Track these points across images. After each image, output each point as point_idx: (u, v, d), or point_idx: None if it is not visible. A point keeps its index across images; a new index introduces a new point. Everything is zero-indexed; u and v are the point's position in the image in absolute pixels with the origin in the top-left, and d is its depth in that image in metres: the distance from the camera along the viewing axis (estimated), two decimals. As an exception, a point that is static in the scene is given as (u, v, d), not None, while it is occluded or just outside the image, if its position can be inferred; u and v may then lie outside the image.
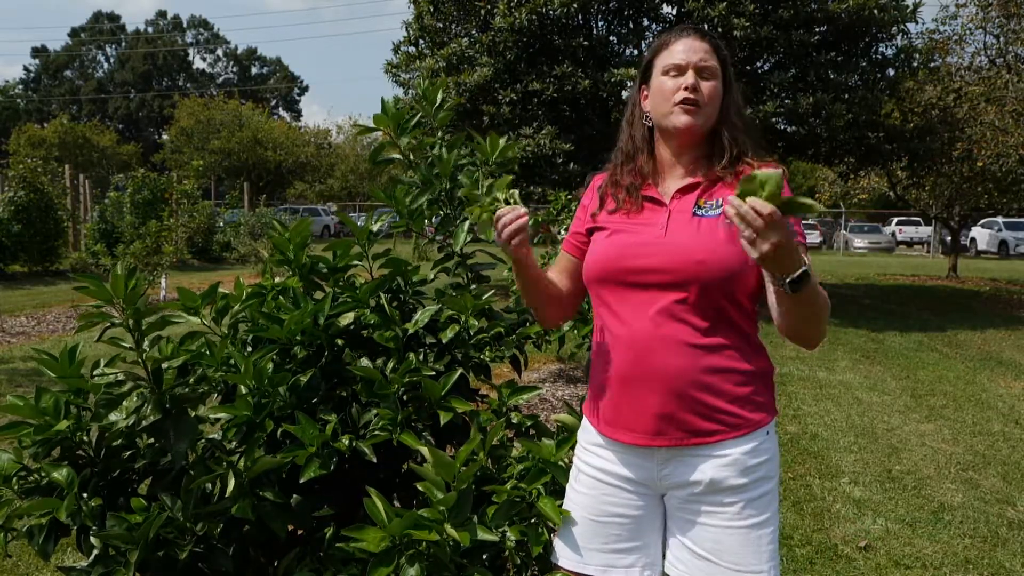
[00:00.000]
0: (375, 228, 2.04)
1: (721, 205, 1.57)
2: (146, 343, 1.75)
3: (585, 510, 1.67)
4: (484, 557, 1.67)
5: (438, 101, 2.16)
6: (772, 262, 1.32)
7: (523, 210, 1.52)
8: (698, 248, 1.54)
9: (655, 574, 1.65)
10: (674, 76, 1.62)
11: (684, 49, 1.62)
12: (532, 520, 1.71)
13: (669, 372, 1.54)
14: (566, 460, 1.79)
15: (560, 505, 1.71)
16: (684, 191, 1.62)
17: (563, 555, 1.69)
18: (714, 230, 1.55)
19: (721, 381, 1.55)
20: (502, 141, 2.14)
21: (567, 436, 1.81)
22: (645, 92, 1.69)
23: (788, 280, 1.35)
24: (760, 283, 1.59)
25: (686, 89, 1.60)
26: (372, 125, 2.13)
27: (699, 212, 1.59)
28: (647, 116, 1.68)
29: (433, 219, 2.19)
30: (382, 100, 2.15)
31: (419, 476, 1.62)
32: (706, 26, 10.18)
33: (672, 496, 1.62)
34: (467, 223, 2.08)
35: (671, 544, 1.64)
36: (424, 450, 1.64)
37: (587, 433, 1.72)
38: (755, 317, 1.63)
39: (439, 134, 2.21)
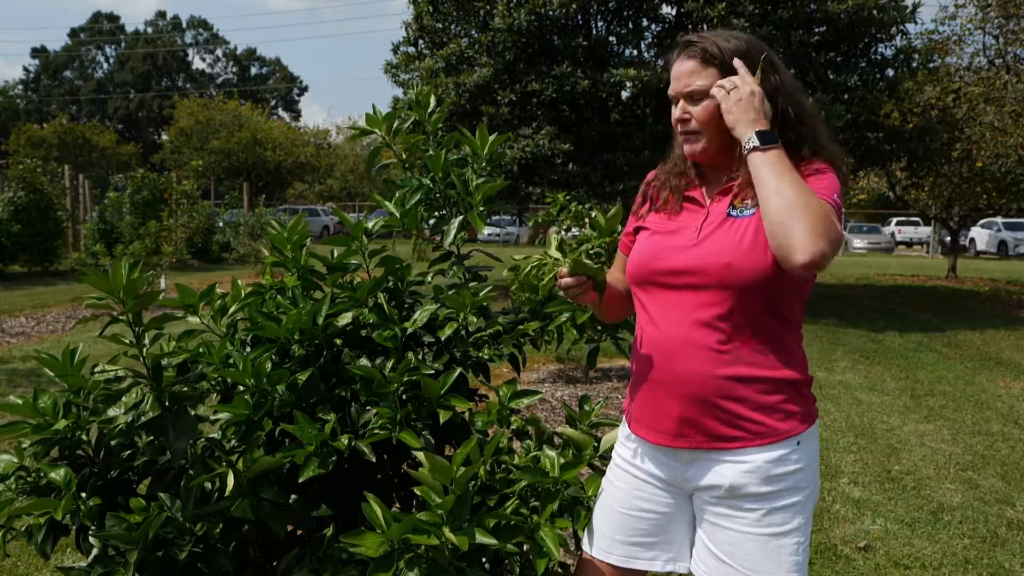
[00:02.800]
0: (370, 226, 2.04)
1: (755, 206, 1.54)
2: (146, 339, 1.75)
3: (617, 502, 1.69)
4: (484, 560, 1.67)
5: (431, 106, 2.17)
6: (742, 112, 1.49)
7: (564, 270, 1.59)
8: (727, 250, 1.52)
9: (678, 568, 1.67)
10: (675, 105, 1.64)
11: (673, 76, 1.62)
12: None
13: (693, 377, 1.53)
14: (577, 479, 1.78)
15: (561, 530, 1.70)
16: (723, 192, 1.61)
17: (588, 543, 1.71)
18: (744, 231, 1.52)
19: (747, 389, 1.52)
20: (491, 136, 2.14)
21: (575, 461, 1.79)
22: None
23: (756, 134, 1.47)
24: (801, 290, 1.57)
25: (678, 122, 1.63)
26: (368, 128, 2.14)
27: (733, 213, 1.57)
28: None
29: (429, 220, 2.19)
30: (373, 107, 2.16)
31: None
32: (705, 27, 10.21)
33: (698, 497, 1.63)
34: (459, 220, 2.09)
35: (697, 543, 1.65)
36: (420, 456, 1.63)
37: (624, 427, 1.74)
38: (796, 326, 1.60)
39: (433, 136, 2.22)
